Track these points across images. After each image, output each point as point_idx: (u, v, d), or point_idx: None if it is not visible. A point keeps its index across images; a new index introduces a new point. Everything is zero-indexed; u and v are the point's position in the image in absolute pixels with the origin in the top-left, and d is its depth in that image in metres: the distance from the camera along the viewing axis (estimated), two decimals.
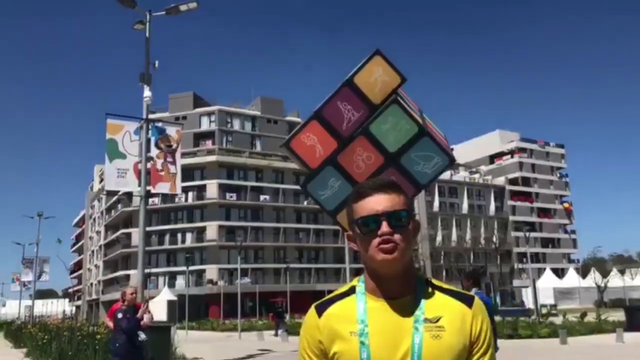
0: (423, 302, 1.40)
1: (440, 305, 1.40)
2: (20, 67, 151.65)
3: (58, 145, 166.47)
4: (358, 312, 1.40)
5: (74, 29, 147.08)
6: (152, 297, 9.23)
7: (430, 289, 1.43)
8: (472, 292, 8.27)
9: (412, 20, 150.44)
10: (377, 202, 1.40)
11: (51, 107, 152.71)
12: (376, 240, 1.37)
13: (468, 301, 1.42)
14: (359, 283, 1.47)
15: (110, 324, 9.86)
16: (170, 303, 45.86)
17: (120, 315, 7.71)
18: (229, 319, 45.80)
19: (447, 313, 1.38)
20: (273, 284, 67.74)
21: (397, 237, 1.37)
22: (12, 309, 72.94)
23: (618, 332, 17.20)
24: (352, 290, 1.47)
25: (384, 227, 1.37)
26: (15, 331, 31.52)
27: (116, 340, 7.74)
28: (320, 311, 1.45)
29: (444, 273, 72.40)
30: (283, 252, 72.61)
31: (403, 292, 1.40)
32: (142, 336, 7.87)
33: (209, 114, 78.48)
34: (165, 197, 65.17)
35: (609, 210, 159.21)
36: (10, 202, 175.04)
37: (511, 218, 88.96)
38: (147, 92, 14.26)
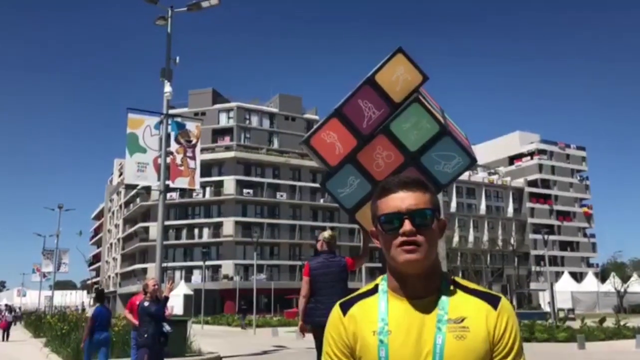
0: (447, 302, 1.36)
1: (464, 306, 1.36)
2: (42, 61, 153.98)
3: (79, 138, 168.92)
4: (379, 310, 1.38)
5: (96, 23, 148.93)
6: (173, 281, 9.34)
7: (454, 289, 1.40)
8: (94, 308, 8.13)
9: (434, 20, 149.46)
10: (401, 200, 1.37)
11: (72, 100, 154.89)
12: (398, 240, 1.34)
13: (494, 302, 1.37)
14: (382, 281, 1.45)
15: (129, 316, 9.86)
16: (186, 297, 46.30)
17: (146, 304, 7.70)
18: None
19: (471, 313, 1.35)
20: (288, 280, 67.91)
21: (419, 236, 1.34)
22: (32, 299, 74.08)
23: (638, 338, 16.90)
24: (375, 289, 1.45)
25: (407, 225, 1.33)
26: (35, 321, 32.09)
27: (144, 332, 7.69)
28: (344, 309, 1.44)
29: (460, 274, 71.93)
30: (299, 249, 72.76)
31: (427, 291, 1.37)
32: (167, 327, 7.89)
33: (227, 110, 78.90)
34: (183, 192, 65.72)
35: (630, 215, 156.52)
36: (31, 194, 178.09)
37: (530, 220, 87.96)
38: (167, 88, 14.38)
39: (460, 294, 1.39)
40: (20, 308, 58.47)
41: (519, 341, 1.37)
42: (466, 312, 1.35)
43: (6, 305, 37.40)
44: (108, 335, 9.39)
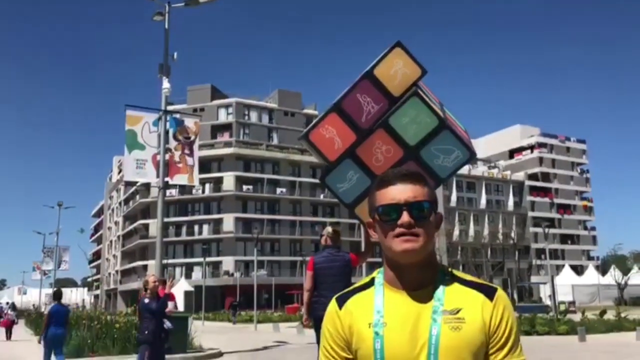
0: (443, 293, 1.36)
1: (460, 297, 1.36)
2: (40, 58, 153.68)
3: (78, 136, 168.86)
4: (375, 303, 1.39)
5: (94, 20, 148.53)
6: (173, 279, 9.65)
7: (450, 280, 1.40)
8: (52, 305, 9.52)
9: (433, 13, 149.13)
10: (400, 191, 1.38)
11: (71, 98, 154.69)
12: (396, 231, 1.35)
13: (490, 293, 1.38)
14: (379, 275, 1.46)
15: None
16: (187, 294, 46.31)
17: (147, 301, 7.75)
18: (244, 311, 46.10)
19: (467, 305, 1.35)
20: (289, 276, 68.03)
21: (417, 228, 1.34)
22: (33, 297, 74.23)
23: (638, 331, 16.93)
24: (372, 282, 1.45)
25: (405, 216, 1.34)
26: (36, 319, 32.13)
27: (145, 329, 7.75)
28: (340, 303, 1.44)
29: (460, 268, 72.00)
30: (299, 245, 72.82)
31: (423, 283, 1.38)
32: (168, 324, 7.93)
33: (226, 106, 78.87)
34: (183, 189, 65.72)
35: (631, 207, 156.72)
36: (31, 192, 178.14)
37: (530, 214, 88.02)
38: (166, 84, 14.35)
39: (456, 285, 1.39)
40: (34, 305, 58.53)
41: (515, 332, 1.37)
42: (462, 303, 1.35)
43: (7, 302, 37.41)
44: (64, 332, 10.05)
